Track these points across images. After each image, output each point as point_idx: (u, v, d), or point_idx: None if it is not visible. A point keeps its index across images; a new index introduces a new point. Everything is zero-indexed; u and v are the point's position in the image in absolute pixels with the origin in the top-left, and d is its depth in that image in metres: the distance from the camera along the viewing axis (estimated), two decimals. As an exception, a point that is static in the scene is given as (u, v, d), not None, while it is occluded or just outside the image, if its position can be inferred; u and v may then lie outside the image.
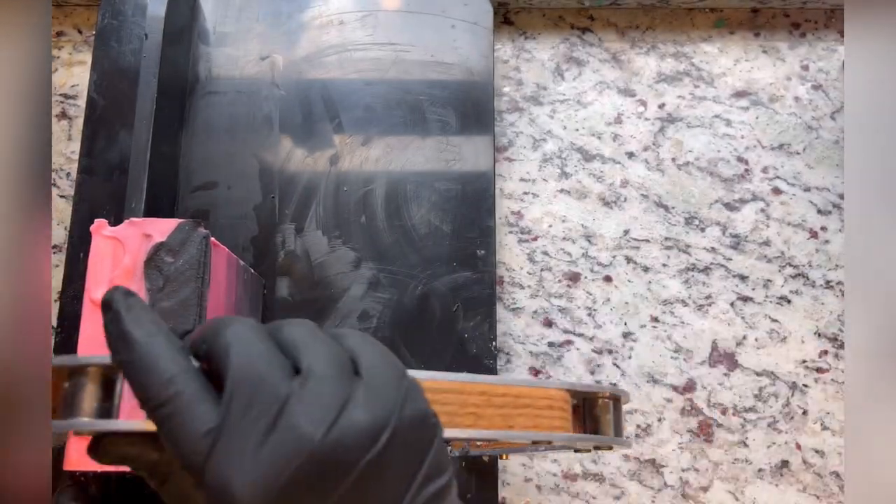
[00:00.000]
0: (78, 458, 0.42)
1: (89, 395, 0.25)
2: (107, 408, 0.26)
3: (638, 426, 0.57)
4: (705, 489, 0.55)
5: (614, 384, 0.57)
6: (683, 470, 0.56)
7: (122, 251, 0.44)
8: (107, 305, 0.25)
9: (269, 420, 0.23)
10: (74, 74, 0.65)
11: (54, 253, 0.60)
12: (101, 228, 0.44)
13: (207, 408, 0.23)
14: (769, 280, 0.60)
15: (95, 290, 0.43)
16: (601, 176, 0.62)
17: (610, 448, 0.35)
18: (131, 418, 0.26)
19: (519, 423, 0.30)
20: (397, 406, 0.24)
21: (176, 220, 0.45)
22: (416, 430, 0.24)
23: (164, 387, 0.23)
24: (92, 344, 0.42)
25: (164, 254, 0.44)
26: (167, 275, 0.44)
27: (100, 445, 0.27)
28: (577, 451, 0.36)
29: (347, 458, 0.23)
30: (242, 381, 0.23)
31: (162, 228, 0.45)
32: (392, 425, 0.23)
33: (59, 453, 0.43)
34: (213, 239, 0.46)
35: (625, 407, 0.36)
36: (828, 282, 0.60)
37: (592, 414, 0.33)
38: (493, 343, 0.55)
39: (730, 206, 0.61)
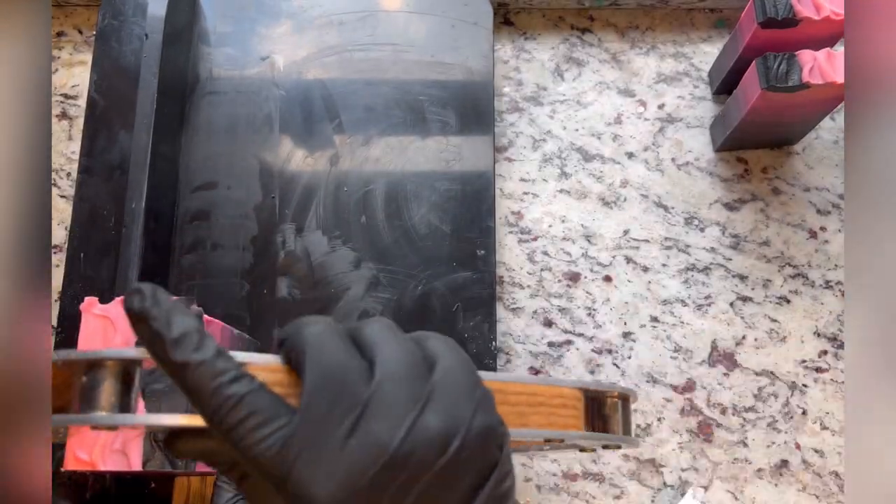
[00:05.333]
0: (76, 459, 0.42)
1: (108, 390, 0.25)
2: (126, 402, 0.25)
3: (638, 426, 0.57)
4: (705, 489, 0.55)
5: (614, 384, 0.57)
6: (683, 469, 0.56)
7: (112, 330, 0.42)
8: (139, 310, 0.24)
9: (348, 426, 0.23)
10: (75, 75, 0.65)
11: (54, 253, 0.60)
12: (91, 307, 0.42)
13: (280, 411, 0.23)
14: (769, 280, 0.60)
15: None
16: (601, 176, 0.62)
17: (619, 447, 0.35)
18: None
19: (533, 420, 0.30)
20: (468, 414, 0.24)
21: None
22: (484, 439, 0.24)
23: (229, 397, 0.23)
24: None
25: None
26: None
27: (178, 441, 0.27)
28: (582, 450, 0.36)
29: (420, 465, 0.23)
30: (321, 387, 0.23)
31: None
32: (462, 434, 0.24)
33: (56, 452, 0.43)
34: (206, 316, 0.45)
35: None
36: (827, 282, 0.60)
37: (602, 413, 0.33)
38: (493, 343, 0.55)
39: (729, 206, 0.61)
